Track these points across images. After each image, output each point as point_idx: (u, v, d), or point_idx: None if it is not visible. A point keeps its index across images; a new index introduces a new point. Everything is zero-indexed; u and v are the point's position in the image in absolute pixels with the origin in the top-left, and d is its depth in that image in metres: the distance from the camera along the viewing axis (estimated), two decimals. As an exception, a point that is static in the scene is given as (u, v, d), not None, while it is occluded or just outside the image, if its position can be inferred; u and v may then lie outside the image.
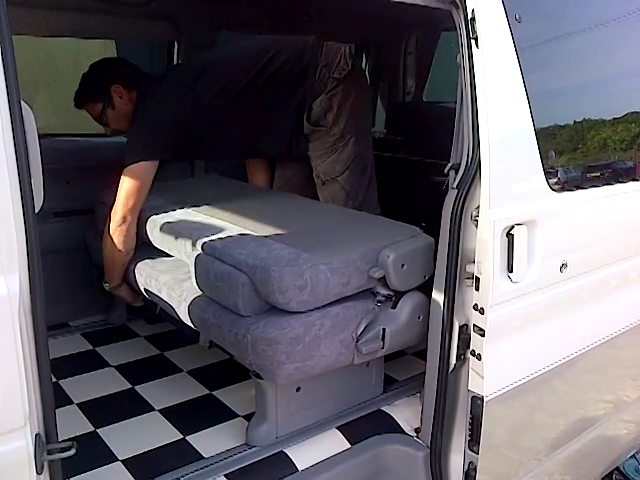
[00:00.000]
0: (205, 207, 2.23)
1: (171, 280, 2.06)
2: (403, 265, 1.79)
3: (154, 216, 2.23)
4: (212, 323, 1.82)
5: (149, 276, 2.18)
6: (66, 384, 2.17)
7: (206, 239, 1.92)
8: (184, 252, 2.03)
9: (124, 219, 2.24)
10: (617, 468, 2.68)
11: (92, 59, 2.53)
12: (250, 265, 1.71)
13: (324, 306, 1.72)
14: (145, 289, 2.22)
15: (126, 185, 2.23)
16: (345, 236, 1.92)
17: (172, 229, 2.12)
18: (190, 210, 2.22)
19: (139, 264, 2.26)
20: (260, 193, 2.58)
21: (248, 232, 1.93)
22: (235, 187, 2.66)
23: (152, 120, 2.31)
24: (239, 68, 2.44)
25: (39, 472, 1.09)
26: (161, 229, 2.17)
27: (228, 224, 2.02)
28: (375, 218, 2.27)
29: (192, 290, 1.94)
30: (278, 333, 1.64)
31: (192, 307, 1.91)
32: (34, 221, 1.05)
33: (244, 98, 2.41)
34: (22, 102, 1.03)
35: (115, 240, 2.25)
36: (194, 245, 1.95)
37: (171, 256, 2.20)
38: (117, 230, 2.24)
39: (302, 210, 2.28)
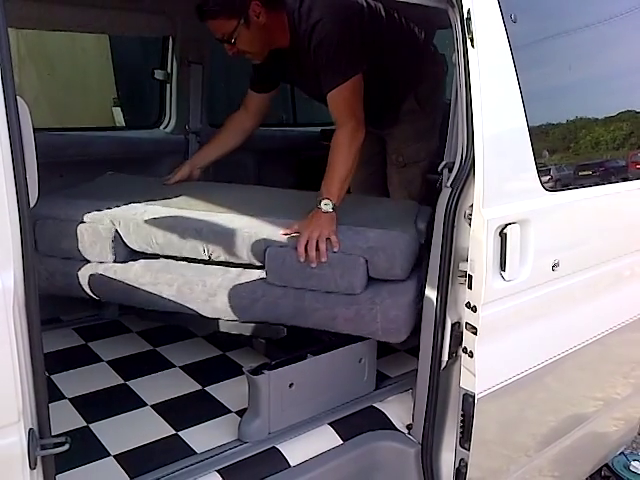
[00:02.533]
0: (210, 205, 2.16)
1: (226, 282, 2.01)
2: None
3: (153, 219, 2.09)
4: (316, 308, 1.93)
5: (187, 283, 2.04)
6: (58, 379, 2.16)
7: (275, 235, 1.95)
8: (245, 251, 1.98)
9: (359, 123, 2.15)
10: (606, 465, 2.70)
11: (87, 52, 2.52)
12: (366, 248, 1.88)
13: (412, 271, 1.94)
14: (178, 299, 2.07)
15: (351, 97, 2.16)
16: (387, 214, 2.12)
17: (209, 230, 2.03)
18: (203, 210, 2.11)
19: (159, 276, 2.09)
20: (242, 188, 2.56)
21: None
22: (204, 186, 2.57)
23: (348, 37, 2.19)
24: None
25: (32, 467, 1.09)
26: (183, 234, 2.05)
27: (267, 218, 2.02)
28: (375, 199, 2.45)
29: (263, 285, 1.98)
30: (406, 298, 1.87)
31: (280, 300, 1.96)
32: (29, 216, 1.05)
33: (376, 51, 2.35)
34: (18, 97, 1.03)
35: (354, 147, 2.12)
36: (266, 242, 1.95)
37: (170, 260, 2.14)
38: (357, 135, 2.12)
39: (304, 199, 2.24)
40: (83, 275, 2.16)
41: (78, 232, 2.13)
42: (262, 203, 2.24)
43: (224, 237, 2.01)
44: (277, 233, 1.96)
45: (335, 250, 1.89)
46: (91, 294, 2.20)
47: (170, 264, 2.14)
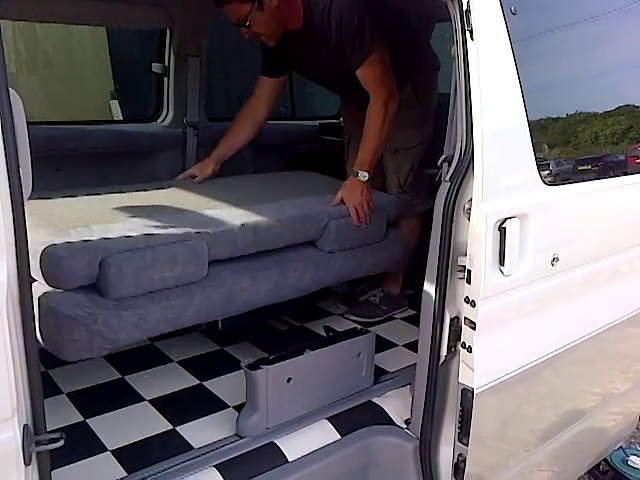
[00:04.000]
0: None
1: (310, 262, 2.21)
2: None
3: (239, 222, 2.04)
4: (366, 260, 2.38)
5: (281, 273, 2.11)
6: (55, 374, 2.15)
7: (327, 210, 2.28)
8: (314, 229, 2.24)
9: (391, 93, 2.35)
10: (605, 459, 2.70)
11: (83, 45, 2.50)
12: (385, 203, 2.46)
13: None
14: (275, 292, 2.10)
15: (379, 70, 2.33)
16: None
17: (291, 219, 2.17)
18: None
19: (256, 275, 2.05)
20: (251, 179, 2.71)
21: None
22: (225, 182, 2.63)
23: (364, 14, 2.27)
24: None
25: (27, 463, 1.08)
26: (269, 227, 2.10)
27: (314, 198, 2.35)
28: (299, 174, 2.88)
29: (335, 255, 2.29)
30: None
31: (345, 262, 2.31)
32: (22, 210, 1.04)
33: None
34: (10, 89, 1.02)
35: (387, 119, 2.34)
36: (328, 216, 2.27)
37: None
38: (390, 104, 2.34)
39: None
40: (185, 302, 1.87)
41: (170, 255, 1.82)
42: (292, 189, 2.51)
43: (302, 221, 2.19)
44: (328, 208, 2.30)
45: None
46: (197, 320, 1.97)
47: (256, 261, 2.08)
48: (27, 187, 1.08)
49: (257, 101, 2.65)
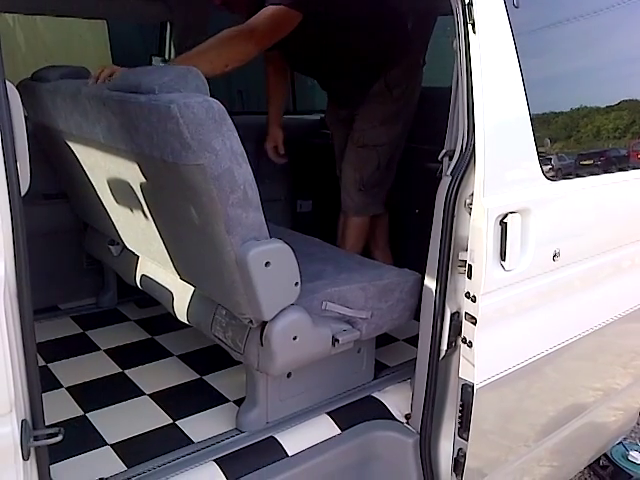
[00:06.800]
0: None
1: None
2: None
3: None
4: None
5: None
6: (55, 368, 2.15)
7: None
8: None
9: (257, 39, 2.12)
10: (605, 454, 2.70)
11: (85, 38, 2.48)
12: None
13: None
14: None
15: (271, 20, 2.14)
16: None
17: None
18: None
19: None
20: None
21: None
22: None
23: None
24: None
25: (25, 458, 1.08)
26: None
27: None
28: None
29: None
30: None
31: None
32: (20, 205, 1.03)
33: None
34: (7, 82, 1.01)
35: (241, 45, 2.10)
36: None
37: None
38: (249, 42, 2.10)
39: None
40: None
41: None
42: None
43: None
44: None
45: None
46: None
47: None
48: (25, 183, 1.07)
49: (278, 64, 2.77)
